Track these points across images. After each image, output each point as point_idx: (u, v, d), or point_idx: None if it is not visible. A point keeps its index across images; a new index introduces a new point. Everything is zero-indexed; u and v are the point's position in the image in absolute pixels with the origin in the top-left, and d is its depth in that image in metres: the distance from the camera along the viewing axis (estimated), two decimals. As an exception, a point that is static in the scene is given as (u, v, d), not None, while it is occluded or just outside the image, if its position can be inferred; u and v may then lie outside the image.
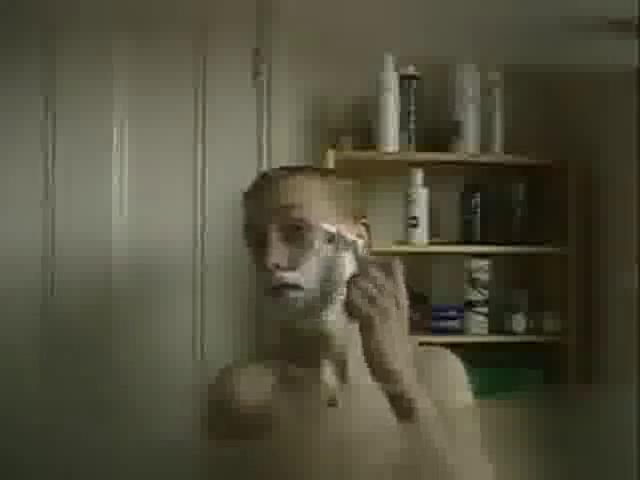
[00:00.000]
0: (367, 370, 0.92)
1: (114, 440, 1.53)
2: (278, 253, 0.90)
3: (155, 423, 1.53)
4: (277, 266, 0.89)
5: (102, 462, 1.52)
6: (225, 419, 0.97)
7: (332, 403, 0.94)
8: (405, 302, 0.81)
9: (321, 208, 0.93)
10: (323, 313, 0.92)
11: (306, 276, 0.90)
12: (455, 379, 0.98)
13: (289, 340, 1.02)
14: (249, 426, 0.95)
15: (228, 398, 0.98)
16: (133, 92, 1.58)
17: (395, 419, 0.88)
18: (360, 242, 0.91)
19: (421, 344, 1.06)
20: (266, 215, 0.92)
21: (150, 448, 1.52)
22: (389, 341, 0.79)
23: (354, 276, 0.83)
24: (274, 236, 0.91)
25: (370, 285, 0.80)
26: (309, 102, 1.77)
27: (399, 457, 0.90)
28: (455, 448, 0.82)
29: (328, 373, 0.96)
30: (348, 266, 0.90)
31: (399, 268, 0.82)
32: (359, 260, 0.87)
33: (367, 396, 0.93)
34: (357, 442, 0.91)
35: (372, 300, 0.79)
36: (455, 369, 0.99)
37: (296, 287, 0.89)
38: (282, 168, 1.02)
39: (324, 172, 1.02)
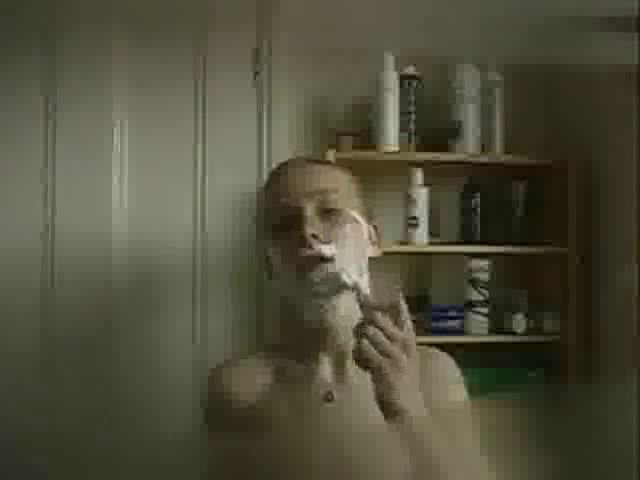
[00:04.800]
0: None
1: (114, 439, 1.53)
2: (314, 226, 0.91)
3: (155, 421, 1.53)
4: (314, 236, 0.90)
5: (103, 461, 1.52)
6: (221, 416, 0.97)
7: (329, 399, 0.94)
8: (414, 343, 0.81)
9: (350, 198, 0.97)
10: (337, 299, 0.92)
11: (339, 250, 0.91)
12: (450, 379, 0.99)
13: (290, 334, 1.02)
14: (246, 422, 0.95)
15: (224, 397, 0.98)
16: (133, 92, 1.58)
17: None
18: (364, 281, 0.92)
19: (419, 344, 1.06)
20: (302, 196, 0.93)
21: (151, 448, 1.52)
22: (400, 390, 0.79)
23: (361, 324, 0.81)
24: (309, 214, 0.92)
25: (379, 333, 0.79)
26: (309, 102, 1.77)
27: (396, 454, 0.90)
28: (449, 447, 0.82)
29: (326, 368, 0.96)
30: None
31: (404, 308, 0.81)
32: (363, 303, 0.85)
33: (365, 392, 0.94)
34: (354, 438, 0.91)
35: (383, 350, 0.78)
36: (450, 369, 1.00)
37: (330, 260, 0.90)
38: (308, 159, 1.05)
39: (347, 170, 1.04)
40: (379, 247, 1.02)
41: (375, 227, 1.02)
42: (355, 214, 0.96)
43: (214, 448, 0.98)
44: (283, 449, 0.91)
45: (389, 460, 0.90)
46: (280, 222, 0.94)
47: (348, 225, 0.94)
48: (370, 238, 1.00)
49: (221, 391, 0.98)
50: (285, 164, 1.02)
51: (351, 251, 0.93)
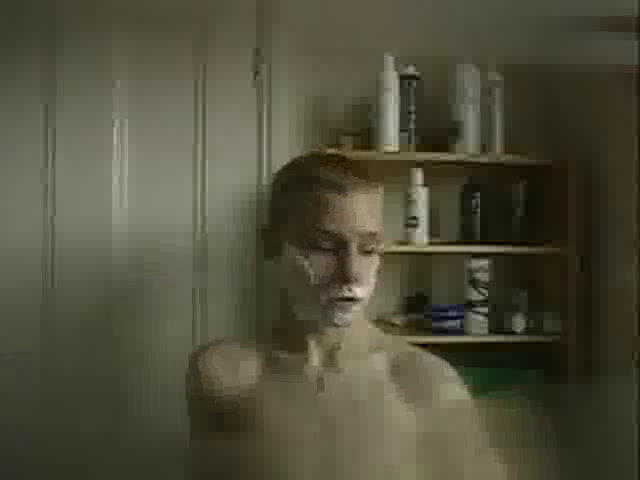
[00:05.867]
0: (358, 356, 0.94)
1: (114, 438, 1.53)
2: (358, 266, 0.90)
3: (155, 420, 1.53)
4: (356, 279, 0.90)
5: (103, 460, 1.52)
6: (206, 405, 0.96)
7: (320, 387, 0.94)
8: None
9: (381, 236, 0.95)
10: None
11: (368, 291, 0.93)
12: (456, 402, 0.97)
13: (282, 319, 1.01)
14: (234, 413, 0.94)
15: (208, 383, 0.96)
16: (133, 92, 1.58)
17: (382, 407, 0.89)
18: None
19: (421, 345, 1.06)
20: (352, 233, 0.91)
21: (151, 448, 1.52)
22: None
23: None
24: (355, 253, 0.91)
25: None
26: (309, 102, 1.77)
27: (386, 443, 0.91)
28: None
29: (316, 357, 0.97)
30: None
31: None
32: None
33: (356, 380, 0.94)
34: (344, 427, 0.91)
35: None
36: (456, 390, 0.98)
37: (359, 300, 0.91)
38: (343, 161, 0.98)
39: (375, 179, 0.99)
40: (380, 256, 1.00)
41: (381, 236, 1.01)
42: (382, 247, 0.96)
43: (199, 443, 0.97)
44: (275, 438, 0.91)
45: (381, 447, 0.90)
46: (317, 239, 0.91)
47: (376, 265, 0.95)
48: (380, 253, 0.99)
49: (203, 383, 0.97)
50: (329, 165, 0.94)
51: (371, 286, 0.95)
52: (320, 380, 0.95)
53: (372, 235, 0.92)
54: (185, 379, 1.00)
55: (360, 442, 0.90)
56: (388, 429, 0.92)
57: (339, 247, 0.90)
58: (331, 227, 0.90)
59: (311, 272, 0.91)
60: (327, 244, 0.91)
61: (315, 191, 0.92)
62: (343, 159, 0.98)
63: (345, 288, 0.89)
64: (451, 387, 0.97)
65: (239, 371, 0.97)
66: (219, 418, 0.95)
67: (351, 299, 0.90)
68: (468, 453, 0.94)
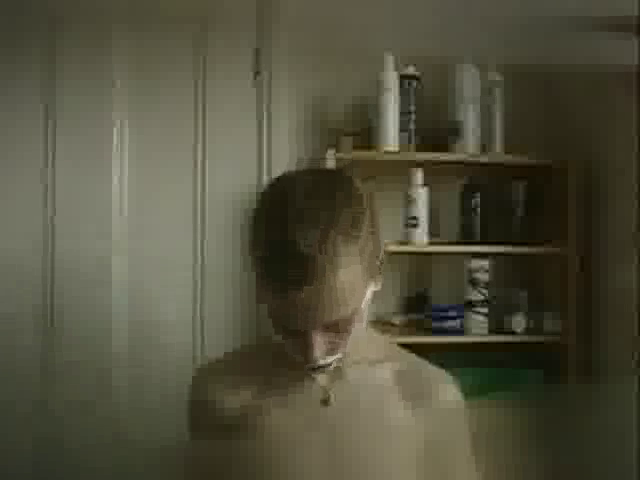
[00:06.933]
0: (363, 369, 0.93)
1: (114, 440, 1.53)
2: (320, 349, 0.82)
3: (155, 423, 1.53)
4: (320, 363, 0.84)
5: (102, 462, 1.52)
6: (209, 421, 0.95)
7: (325, 401, 0.93)
8: None
9: (363, 294, 0.82)
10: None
11: (344, 352, 0.87)
12: (453, 415, 0.95)
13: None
14: (237, 427, 0.93)
15: (210, 399, 0.95)
16: (133, 92, 1.58)
17: (390, 421, 0.88)
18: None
19: (421, 345, 1.05)
20: (312, 321, 0.79)
21: (150, 448, 1.52)
22: None
23: None
24: (318, 337, 0.81)
25: None
26: (309, 102, 1.77)
27: (393, 455, 0.90)
28: None
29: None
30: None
31: None
32: None
33: (364, 394, 0.93)
34: (351, 441, 0.91)
35: None
36: (453, 400, 0.96)
37: (332, 362, 0.87)
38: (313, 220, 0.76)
39: (357, 224, 0.78)
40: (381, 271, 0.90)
41: (382, 264, 0.88)
42: (365, 305, 0.85)
43: (199, 458, 0.96)
44: (279, 453, 0.90)
45: (389, 461, 0.90)
46: (278, 321, 0.82)
47: (356, 328, 0.85)
48: (376, 281, 0.87)
49: (205, 399, 0.96)
50: (290, 244, 0.74)
51: (356, 332, 0.86)
52: (325, 393, 0.94)
53: (341, 321, 0.81)
54: (188, 397, 0.99)
55: (368, 456, 0.90)
56: (396, 443, 0.91)
57: (301, 334, 0.81)
58: (287, 321, 0.80)
59: (279, 338, 0.86)
60: (289, 330, 0.82)
61: (267, 275, 0.77)
62: (314, 210, 0.75)
63: (310, 364, 0.83)
64: (454, 399, 0.96)
65: (242, 386, 0.95)
66: (224, 435, 0.94)
67: (322, 365, 0.85)
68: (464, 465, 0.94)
